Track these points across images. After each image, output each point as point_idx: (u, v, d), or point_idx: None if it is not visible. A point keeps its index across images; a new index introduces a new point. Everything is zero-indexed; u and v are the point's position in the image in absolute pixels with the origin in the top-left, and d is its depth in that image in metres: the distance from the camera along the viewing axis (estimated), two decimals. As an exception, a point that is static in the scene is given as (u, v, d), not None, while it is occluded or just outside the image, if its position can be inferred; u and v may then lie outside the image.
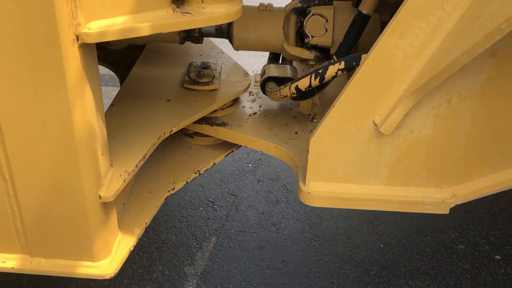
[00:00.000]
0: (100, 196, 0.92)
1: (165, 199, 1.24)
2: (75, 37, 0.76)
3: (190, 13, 0.85)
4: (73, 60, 0.78)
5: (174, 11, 0.85)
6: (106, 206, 0.96)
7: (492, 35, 0.79)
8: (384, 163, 1.05)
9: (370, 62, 0.96)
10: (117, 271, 1.01)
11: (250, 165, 2.12)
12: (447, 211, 1.08)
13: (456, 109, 0.99)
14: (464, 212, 1.91)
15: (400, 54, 0.92)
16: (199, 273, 1.60)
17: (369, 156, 1.04)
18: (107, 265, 1.00)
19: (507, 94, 0.96)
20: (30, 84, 0.79)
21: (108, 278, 0.98)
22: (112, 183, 0.95)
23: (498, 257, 1.74)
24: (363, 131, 1.01)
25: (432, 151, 1.03)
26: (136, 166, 1.02)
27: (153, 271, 1.60)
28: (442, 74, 0.90)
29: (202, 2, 0.85)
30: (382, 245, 1.75)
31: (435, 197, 1.08)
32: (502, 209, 1.95)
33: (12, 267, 0.98)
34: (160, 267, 1.61)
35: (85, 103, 0.83)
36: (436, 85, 0.93)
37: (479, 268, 1.69)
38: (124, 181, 0.97)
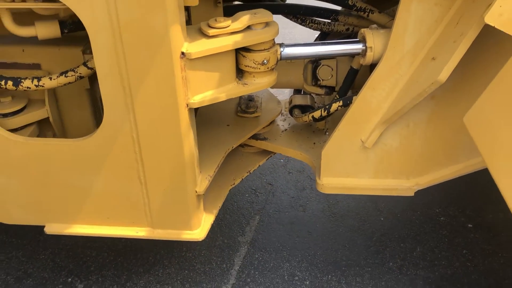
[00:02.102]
0: (196, 191, 1.52)
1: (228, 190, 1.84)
2: (186, 105, 1.35)
3: (247, 84, 1.43)
4: (184, 116, 1.37)
5: (237, 83, 1.43)
6: (198, 197, 1.56)
7: (424, 92, 1.35)
8: (370, 164, 1.62)
9: (357, 102, 1.52)
10: (204, 236, 1.61)
11: (282, 160, 2.71)
12: (412, 194, 1.64)
13: (413, 130, 1.55)
14: (448, 192, 2.46)
15: (374, 100, 1.49)
16: (248, 241, 2.19)
17: (360, 160, 1.61)
18: (198, 233, 1.60)
19: (444, 120, 1.52)
20: (161, 127, 1.39)
21: (200, 240, 1.59)
22: (202, 183, 1.54)
23: (470, 225, 2.29)
24: (355, 145, 1.58)
25: (400, 156, 1.60)
26: (214, 171, 1.61)
27: (216, 240, 2.20)
28: (400, 111, 1.45)
29: (254, 77, 1.43)
30: (382, 219, 2.32)
31: (404, 185, 1.64)
32: (480, 188, 2.48)
33: (143, 235, 1.60)
34: (221, 237, 2.22)
35: (189, 137, 1.43)
36: (398, 117, 1.50)
37: (455, 234, 2.24)
38: (209, 181, 1.56)
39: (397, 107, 1.44)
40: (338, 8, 1.78)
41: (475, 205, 2.36)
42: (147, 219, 1.58)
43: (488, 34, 1.18)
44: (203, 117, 1.83)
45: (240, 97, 1.93)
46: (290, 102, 1.89)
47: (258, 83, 1.44)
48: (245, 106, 1.87)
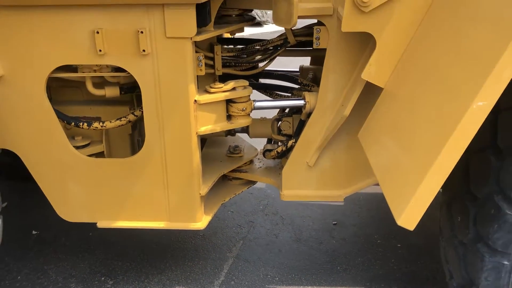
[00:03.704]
0: (200, 193, 2.32)
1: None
2: (196, 133, 2.21)
3: (233, 123, 2.30)
4: (195, 140, 2.22)
5: (227, 122, 2.30)
6: (201, 198, 2.35)
7: (338, 124, 2.22)
8: (313, 179, 2.42)
9: (302, 137, 2.38)
10: (204, 227, 2.37)
11: (261, 206, 3.50)
12: (342, 200, 2.44)
13: (338, 155, 2.40)
14: (384, 222, 3.24)
15: (312, 134, 2.35)
16: (234, 256, 2.89)
17: (306, 177, 2.42)
18: (201, 224, 2.37)
19: (356, 147, 2.37)
20: (180, 148, 2.23)
21: (202, 228, 2.35)
22: (204, 189, 2.34)
23: (399, 245, 3.04)
24: (303, 166, 2.40)
25: (332, 173, 2.42)
26: (213, 182, 2.41)
27: (210, 255, 2.91)
28: (326, 140, 2.32)
29: (237, 119, 2.31)
30: (334, 242, 3.07)
31: (337, 194, 2.45)
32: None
33: (163, 226, 2.36)
34: (213, 253, 2.92)
35: (197, 156, 2.25)
36: (325, 143, 2.35)
37: (386, 250, 2.99)
38: (208, 188, 2.37)
39: (325, 138, 2.31)
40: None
41: (403, 232, 3.13)
42: (167, 214, 2.35)
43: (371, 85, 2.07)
44: (205, 156, 2.67)
45: (229, 145, 2.79)
46: (264, 148, 2.75)
47: (239, 123, 2.31)
48: (233, 149, 2.72)
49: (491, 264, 1.54)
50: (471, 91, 1.35)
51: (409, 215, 1.44)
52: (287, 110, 2.64)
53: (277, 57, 2.55)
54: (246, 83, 2.30)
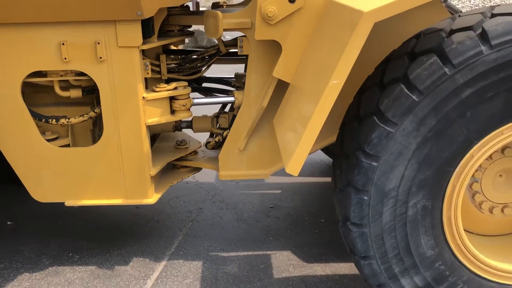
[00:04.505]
0: (150, 174, 2.84)
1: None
2: (145, 124, 2.73)
3: (176, 116, 2.85)
4: (144, 130, 2.71)
5: (171, 115, 2.84)
6: (152, 178, 2.86)
7: (259, 113, 2.79)
8: (244, 161, 2.96)
9: (234, 126, 2.95)
10: (155, 202, 2.87)
11: (209, 196, 4.03)
12: (267, 177, 2.99)
13: (263, 141, 2.96)
14: (315, 204, 3.81)
15: (242, 123, 2.91)
16: (184, 233, 3.41)
17: (239, 159, 2.97)
18: (152, 200, 2.87)
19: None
20: (133, 137, 2.75)
21: (153, 203, 2.85)
22: (153, 171, 2.86)
23: (322, 220, 3.61)
24: (235, 150, 2.95)
25: (259, 155, 2.98)
26: (161, 166, 2.93)
27: (163, 233, 3.42)
28: (251, 127, 2.88)
29: (179, 113, 2.85)
30: (269, 220, 3.62)
31: (263, 172, 3.00)
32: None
33: (120, 202, 2.85)
34: (166, 232, 3.43)
35: (146, 143, 2.77)
36: (251, 131, 2.91)
37: (312, 224, 3.55)
38: (157, 170, 2.88)
39: (251, 126, 2.87)
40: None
41: (328, 210, 3.70)
42: (123, 192, 2.85)
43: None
44: (157, 148, 3.20)
45: (177, 139, 3.32)
46: (206, 141, 3.30)
47: (181, 116, 2.85)
48: (179, 142, 3.26)
49: (355, 200, 2.10)
50: (329, 73, 1.94)
51: (292, 165, 2.00)
52: (227, 109, 3.20)
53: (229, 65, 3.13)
54: (186, 84, 2.86)
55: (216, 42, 2.98)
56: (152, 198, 2.89)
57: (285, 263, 3.05)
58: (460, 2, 12.34)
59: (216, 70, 3.53)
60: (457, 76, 1.92)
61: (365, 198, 2.08)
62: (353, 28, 1.89)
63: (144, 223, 3.55)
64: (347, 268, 2.96)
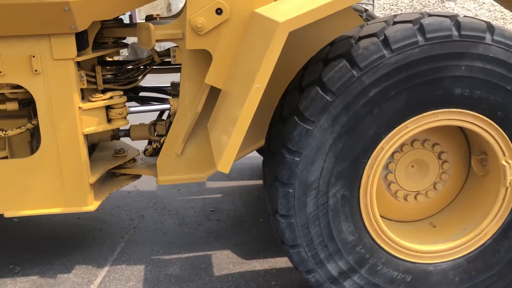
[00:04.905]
0: (89, 182, 2.94)
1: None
2: (82, 133, 2.85)
3: (112, 124, 2.98)
4: (81, 139, 2.82)
5: (107, 123, 2.97)
6: (91, 186, 2.96)
7: (194, 119, 2.97)
8: (182, 165, 3.13)
9: (171, 132, 3.10)
10: (95, 209, 2.98)
11: (150, 204, 4.15)
12: (205, 180, 3.16)
13: (199, 146, 3.14)
14: (255, 206, 4.02)
15: (178, 130, 3.08)
16: (126, 240, 3.52)
17: (177, 164, 3.13)
18: (91, 208, 2.97)
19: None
20: (71, 146, 2.85)
21: (93, 210, 2.95)
22: (92, 179, 2.96)
23: (261, 220, 3.82)
24: (172, 155, 3.11)
25: (196, 160, 3.15)
26: (100, 174, 3.04)
27: (105, 240, 3.51)
28: (187, 134, 3.05)
29: (116, 121, 2.98)
30: (210, 221, 3.79)
31: (201, 175, 3.18)
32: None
33: (61, 211, 2.94)
34: (108, 240, 3.53)
35: (84, 152, 2.89)
36: (187, 137, 3.09)
37: (251, 223, 3.75)
38: (96, 178, 2.99)
39: (187, 131, 3.04)
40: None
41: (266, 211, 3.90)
42: (63, 201, 2.94)
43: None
44: (96, 157, 3.30)
45: (115, 148, 3.44)
46: (145, 149, 3.44)
47: (118, 124, 2.98)
48: (118, 151, 3.37)
49: (282, 193, 2.32)
50: (252, 79, 2.15)
51: (223, 163, 2.19)
52: (165, 116, 3.36)
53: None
54: (121, 93, 3.00)
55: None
56: (92, 205, 3.00)
57: (225, 261, 3.22)
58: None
59: (156, 80, 3.69)
60: (364, 77, 2.18)
61: (291, 190, 2.30)
62: (270, 37, 2.11)
63: (86, 233, 3.63)
64: (283, 262, 3.17)
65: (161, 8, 13.35)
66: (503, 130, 2.32)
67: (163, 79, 3.79)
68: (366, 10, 4.28)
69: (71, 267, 3.20)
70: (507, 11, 14.73)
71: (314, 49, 2.59)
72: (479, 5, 15.70)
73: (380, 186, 2.59)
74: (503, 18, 14.74)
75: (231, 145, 2.18)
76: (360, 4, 16.87)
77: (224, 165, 2.20)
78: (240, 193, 4.25)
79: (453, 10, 15.86)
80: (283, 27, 2.07)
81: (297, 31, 2.18)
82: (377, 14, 15.85)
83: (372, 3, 15.60)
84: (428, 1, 16.81)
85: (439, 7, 16.37)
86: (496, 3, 15.14)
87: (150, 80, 3.68)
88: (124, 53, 11.17)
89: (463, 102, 2.25)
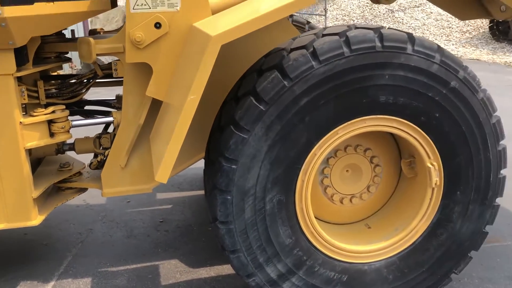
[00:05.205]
0: (32, 196, 2.95)
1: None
2: (23, 148, 2.86)
3: (55, 138, 3.00)
4: (23, 154, 2.84)
5: (50, 138, 2.99)
6: (34, 200, 2.97)
7: (137, 132, 3.03)
8: (126, 177, 3.18)
9: (114, 146, 3.14)
10: (38, 223, 2.98)
11: (99, 217, 4.16)
12: (151, 191, 3.22)
13: (140, 158, 3.20)
14: (203, 216, 4.08)
15: (121, 143, 3.13)
16: (74, 254, 3.53)
17: (121, 176, 3.17)
18: (35, 222, 2.98)
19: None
20: (13, 160, 2.85)
21: (36, 225, 2.96)
22: (35, 193, 2.97)
23: (209, 228, 3.89)
24: (117, 168, 3.16)
25: (139, 172, 3.20)
26: (44, 188, 3.05)
27: (56, 252, 3.51)
28: (130, 146, 3.11)
29: (59, 135, 3.01)
30: (158, 233, 3.84)
31: (146, 187, 3.23)
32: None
33: (3, 227, 2.93)
34: (59, 253, 3.53)
35: (27, 166, 2.90)
36: (131, 148, 3.14)
37: (200, 232, 3.82)
38: (40, 192, 3.00)
39: (130, 143, 3.09)
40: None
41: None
42: (5, 217, 2.94)
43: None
44: (40, 172, 3.31)
45: (60, 162, 3.45)
46: (90, 162, 3.46)
47: (60, 138, 3.01)
48: (63, 165, 3.39)
49: (221, 200, 2.41)
50: (188, 90, 2.24)
51: (160, 173, 2.26)
52: (110, 129, 3.40)
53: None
54: (64, 107, 3.03)
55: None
56: (35, 220, 3.00)
57: (173, 270, 3.28)
58: None
59: (110, 93, 3.73)
60: (294, 87, 2.30)
61: (229, 197, 2.39)
62: (204, 50, 2.21)
63: (33, 248, 3.61)
64: (229, 268, 3.24)
65: (117, 21, 13.29)
66: (427, 134, 2.48)
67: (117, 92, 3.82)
68: (308, 22, 4.45)
69: (16, 284, 3.18)
70: (453, 20, 15.39)
71: (253, 60, 2.70)
72: (427, 15, 16.33)
73: (317, 190, 2.72)
74: (449, 27, 15.39)
75: (168, 155, 2.26)
76: (301, 14, 17.18)
77: (162, 175, 2.27)
78: (190, 203, 4.31)
79: (402, 19, 16.45)
80: (215, 40, 2.18)
81: (237, 43, 2.29)
82: (329, 25, 16.29)
83: (324, 14, 16.00)
84: (379, 12, 17.35)
85: (389, 17, 16.93)
86: (443, 13, 15.64)
87: (105, 93, 3.73)
88: (78, 66, 11.08)
89: (388, 108, 2.41)
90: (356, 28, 2.43)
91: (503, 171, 2.64)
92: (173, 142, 2.25)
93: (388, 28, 2.47)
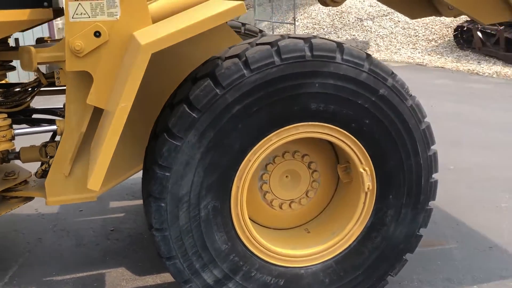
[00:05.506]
0: (-28, 206, 2.93)
1: None
2: None
3: None
4: None
5: None
6: (-26, 210, 2.96)
7: (80, 140, 3.05)
8: (71, 185, 3.18)
9: (57, 155, 3.15)
10: None
11: (50, 226, 4.14)
12: (95, 199, 3.23)
13: (85, 166, 3.21)
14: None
15: (64, 152, 3.14)
16: (21, 263, 3.51)
17: (65, 184, 3.17)
18: None
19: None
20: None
21: None
22: (-24, 203, 2.96)
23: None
24: (60, 176, 3.15)
25: (81, 181, 3.21)
26: (-16, 199, 3.04)
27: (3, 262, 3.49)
28: (73, 155, 3.12)
29: (1, 145, 3.00)
30: (109, 241, 3.83)
31: (90, 195, 3.24)
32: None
33: None
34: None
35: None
36: (74, 157, 3.15)
37: (152, 242, 3.83)
38: (-20, 202, 2.99)
39: (73, 151, 3.10)
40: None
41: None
42: None
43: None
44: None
45: (5, 171, 3.43)
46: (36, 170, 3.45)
47: (1, 147, 3.00)
48: (7, 174, 3.37)
49: (155, 208, 2.44)
50: (119, 98, 2.27)
51: (92, 181, 2.29)
52: (57, 138, 3.39)
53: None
54: (5, 116, 3.02)
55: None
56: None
57: (119, 278, 3.29)
58: None
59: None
60: (227, 95, 2.36)
61: (163, 205, 2.42)
62: (134, 58, 2.25)
63: (-23, 259, 3.57)
64: (176, 276, 3.27)
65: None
66: (358, 140, 2.56)
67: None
68: (244, 24, 4.43)
69: (-43, 295, 3.15)
70: (420, 28, 15.73)
71: (192, 68, 2.75)
72: (394, 24, 16.64)
73: (257, 196, 2.77)
74: (416, 35, 15.71)
75: (100, 163, 2.28)
76: (271, 22, 17.18)
77: (94, 183, 2.30)
78: (143, 211, 4.31)
79: (371, 28, 16.73)
80: (145, 49, 2.22)
81: (179, 51, 2.32)
82: (299, 33, 16.46)
83: (294, 22, 16.18)
84: (348, 20, 17.62)
85: (358, 25, 17.20)
86: (410, 21, 15.96)
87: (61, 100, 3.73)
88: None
89: (319, 116, 2.48)
90: (289, 37, 2.50)
91: (435, 176, 2.73)
92: (105, 150, 2.28)
93: (319, 37, 2.55)
